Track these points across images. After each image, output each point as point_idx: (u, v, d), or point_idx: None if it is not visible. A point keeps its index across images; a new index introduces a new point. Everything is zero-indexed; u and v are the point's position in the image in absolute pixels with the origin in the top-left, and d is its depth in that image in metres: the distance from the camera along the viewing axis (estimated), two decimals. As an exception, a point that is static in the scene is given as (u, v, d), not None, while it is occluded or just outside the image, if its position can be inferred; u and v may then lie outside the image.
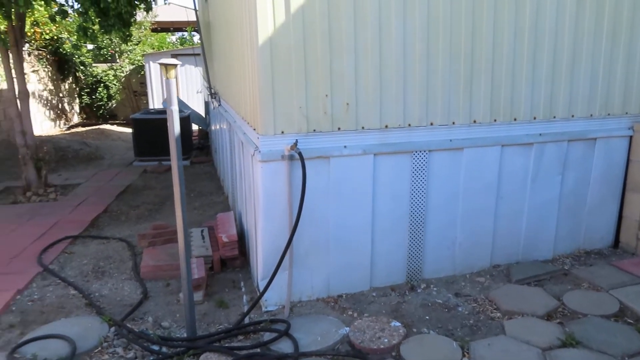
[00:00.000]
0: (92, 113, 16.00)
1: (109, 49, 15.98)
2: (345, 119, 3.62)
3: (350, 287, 3.92)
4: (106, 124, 14.90)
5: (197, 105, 13.22)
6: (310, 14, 3.38)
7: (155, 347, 3.21)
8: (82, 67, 15.19)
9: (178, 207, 3.12)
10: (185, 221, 3.16)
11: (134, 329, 3.39)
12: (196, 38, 19.15)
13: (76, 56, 14.72)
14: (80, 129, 13.52)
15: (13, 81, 6.84)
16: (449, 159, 3.99)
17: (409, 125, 3.81)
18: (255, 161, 3.59)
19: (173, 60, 2.94)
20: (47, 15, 11.11)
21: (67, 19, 6.22)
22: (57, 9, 6.00)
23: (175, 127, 3.03)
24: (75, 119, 15.50)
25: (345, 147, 3.64)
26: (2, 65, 11.10)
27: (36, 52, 12.91)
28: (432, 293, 3.94)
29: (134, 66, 15.51)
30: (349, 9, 3.46)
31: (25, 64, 12.62)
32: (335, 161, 3.64)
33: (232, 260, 4.48)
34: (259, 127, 3.47)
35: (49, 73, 13.74)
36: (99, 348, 3.23)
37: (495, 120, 4.06)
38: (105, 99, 15.81)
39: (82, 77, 15.52)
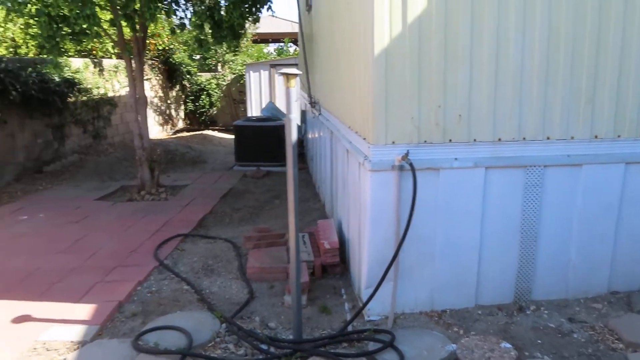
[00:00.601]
0: (195, 119, 17.06)
1: (213, 59, 16.96)
2: (457, 131, 3.55)
3: (455, 302, 3.82)
4: (207, 129, 15.81)
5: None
6: (426, 25, 3.37)
7: (264, 347, 3.33)
8: (188, 76, 16.27)
9: (291, 213, 3.24)
10: (297, 227, 3.27)
11: (243, 327, 3.55)
12: (292, 49, 19.80)
13: (183, 66, 15.80)
14: (184, 133, 14.48)
15: (134, 88, 7.47)
16: (565, 176, 3.76)
17: (524, 138, 3.65)
18: (364, 170, 3.63)
19: (294, 70, 3.06)
20: (164, 28, 12.09)
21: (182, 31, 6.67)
22: (177, 22, 6.52)
23: (292, 135, 3.15)
24: (180, 125, 16.62)
25: (455, 159, 3.57)
26: (123, 73, 12.23)
27: (150, 62, 14.03)
28: (542, 316, 3.73)
29: (234, 75, 16.34)
30: (466, 20, 3.40)
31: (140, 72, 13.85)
32: (445, 173, 3.58)
33: (333, 266, 4.55)
34: (370, 136, 3.50)
35: (160, 81, 14.88)
36: (212, 342, 3.42)
37: (619, 136, 3.77)
38: (208, 106, 16.80)
39: (188, 86, 16.62)
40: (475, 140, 3.58)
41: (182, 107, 16.88)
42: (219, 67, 17.45)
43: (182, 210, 6.77)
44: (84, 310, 3.88)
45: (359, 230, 3.98)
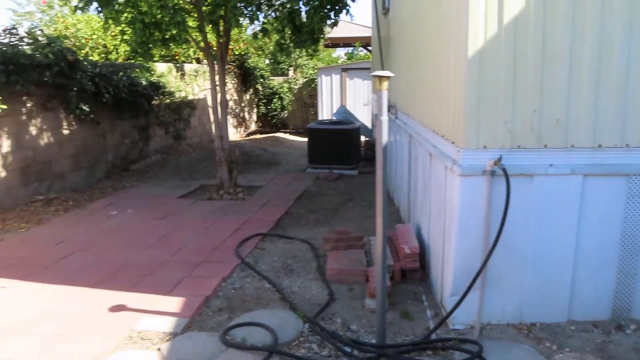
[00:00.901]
0: (267, 122, 17.48)
1: (286, 63, 17.31)
2: (553, 136, 3.38)
3: (545, 316, 3.64)
4: (278, 132, 16.14)
5: (363, 118, 13.59)
6: (523, 26, 3.24)
7: (347, 349, 3.34)
8: (261, 80, 16.71)
9: (379, 215, 3.22)
10: (386, 229, 3.24)
11: (327, 329, 3.57)
12: (362, 53, 19.78)
13: (257, 70, 16.24)
14: (257, 136, 14.87)
15: (216, 91, 7.77)
16: (674, 185, 3.47)
17: (627, 145, 3.42)
18: (452, 175, 3.54)
19: (386, 72, 3.04)
20: (240, 33, 12.49)
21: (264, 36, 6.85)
22: (259, 27, 6.72)
23: (384, 136, 3.13)
24: (252, 127, 17.10)
25: (551, 165, 3.40)
26: (202, 78, 12.77)
27: (227, 67, 14.54)
28: (645, 336, 3.47)
29: (306, 79, 16.58)
30: (566, 19, 3.24)
31: (219, 77, 14.39)
32: (539, 180, 3.42)
33: (412, 272, 4.48)
34: (460, 140, 3.42)
35: (235, 85, 15.38)
36: (296, 342, 3.47)
37: None
38: (279, 109, 17.16)
39: (261, 89, 17.07)
40: (572, 146, 3.40)
41: (255, 110, 17.36)
42: (291, 72, 17.78)
43: (260, 210, 6.94)
44: (174, 303, 4.06)
45: (443, 236, 3.89)
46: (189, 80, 12.28)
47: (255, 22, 6.57)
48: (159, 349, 3.39)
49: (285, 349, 3.37)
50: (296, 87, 16.68)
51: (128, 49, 11.98)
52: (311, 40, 6.63)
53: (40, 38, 7.11)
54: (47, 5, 12.49)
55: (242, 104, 16.15)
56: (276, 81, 17.31)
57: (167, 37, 6.29)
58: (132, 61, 10.28)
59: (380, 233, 3.23)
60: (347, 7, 7.08)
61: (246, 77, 16.00)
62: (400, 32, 6.62)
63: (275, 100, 17.16)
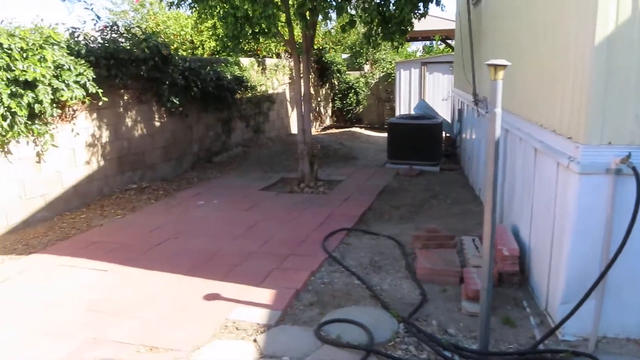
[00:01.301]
0: (342, 116, 17.41)
1: (363, 57, 17.13)
2: (691, 132, 3.00)
3: (673, 333, 3.26)
4: (353, 127, 16.03)
5: (442, 113, 13.16)
6: (661, 7, 2.88)
7: (447, 354, 3.16)
8: (338, 75, 16.65)
9: (488, 211, 3.01)
10: (494, 230, 3.03)
11: (425, 330, 3.42)
12: (442, 47, 19.16)
13: (334, 65, 16.20)
14: (333, 130, 14.85)
15: (300, 85, 7.78)
16: None
17: None
18: (568, 173, 3.25)
19: (502, 61, 2.82)
20: (319, 27, 12.47)
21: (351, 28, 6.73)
22: (348, 20, 6.62)
23: (496, 130, 2.91)
24: (327, 122, 17.09)
25: (688, 165, 3.02)
26: (281, 72, 12.91)
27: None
28: None
29: (383, 74, 16.32)
30: None
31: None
32: (672, 181, 3.04)
33: (511, 275, 4.20)
34: (580, 135, 3.12)
35: (312, 79, 15.42)
36: (392, 342, 3.34)
37: None
38: (354, 104, 17.03)
39: (337, 84, 17.01)
40: None
41: (330, 104, 17.34)
42: (367, 66, 17.56)
43: (342, 204, 6.87)
44: (265, 295, 4.07)
45: (551, 239, 3.59)
46: (269, 74, 12.45)
47: (345, 14, 6.43)
48: (254, 340, 3.40)
49: (381, 349, 3.25)
50: (373, 81, 16.45)
51: (214, 44, 12.41)
52: (399, 32, 6.42)
53: (137, 34, 7.44)
54: (139, 4, 13.16)
55: (319, 99, 16.17)
56: (352, 76, 17.17)
57: (256, 31, 6.35)
58: (217, 56, 10.57)
59: (489, 234, 3.01)
60: (438, -2, 6.79)
61: (323, 72, 16.01)
62: (496, 21, 6.26)
63: (350, 94, 17.03)
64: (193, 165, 9.43)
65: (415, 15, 6.64)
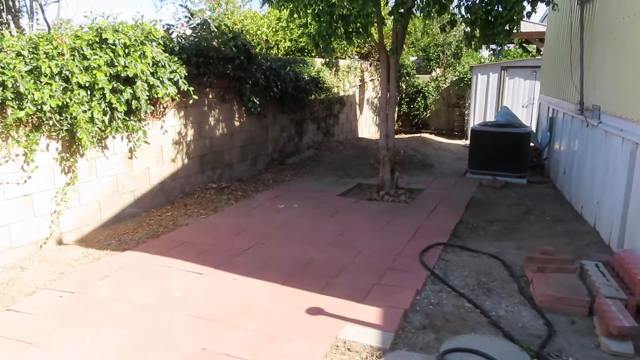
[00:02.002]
0: (408, 121, 16.95)
1: (436, 61, 16.62)
2: None
3: None
4: (421, 132, 15.56)
5: (524, 120, 12.49)
6: None
7: (599, 401, 2.78)
8: (407, 78, 16.22)
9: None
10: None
11: (568, 371, 3.05)
12: (519, 50, 18.32)
13: (404, 67, 15.78)
14: (402, 135, 14.44)
15: (386, 87, 7.48)
16: None
17: None
18: None
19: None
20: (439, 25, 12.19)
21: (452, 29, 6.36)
22: (449, 19, 6.25)
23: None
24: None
25: None
26: (353, 74, 12.65)
27: (375, 63, 14.32)
28: None
29: (456, 78, 15.73)
30: None
31: (367, 73, 14.22)
32: None
33: (649, 310, 3.73)
34: None
35: (380, 82, 15.08)
36: (529, 380, 2.99)
37: None
38: (422, 109, 16.54)
39: (404, 87, 16.59)
40: None
41: (396, 108, 16.92)
42: (437, 70, 17.02)
43: (429, 216, 6.51)
44: (371, 313, 3.81)
45: None
46: (341, 76, 12.23)
47: (447, 13, 6.05)
48: (373, 366, 3.14)
49: (518, 388, 2.91)
50: (444, 85, 15.89)
51: (289, 44, 12.32)
52: (505, 34, 5.99)
53: (226, 32, 7.39)
54: (216, 3, 13.28)
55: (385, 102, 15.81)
56: (421, 79, 16.68)
57: (350, 30, 6.11)
58: (291, 56, 10.44)
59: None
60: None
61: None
62: (617, 24, 5.72)
63: (419, 99, 16.55)
64: (267, 166, 9.33)
65: (520, 16, 6.17)
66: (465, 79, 15.62)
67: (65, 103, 5.05)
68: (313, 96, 10.41)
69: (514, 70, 13.12)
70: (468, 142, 13.71)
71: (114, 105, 5.51)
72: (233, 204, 7.09)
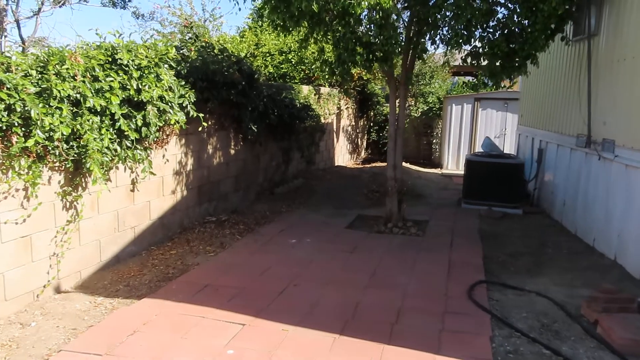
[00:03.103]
0: (377, 149, 16.99)
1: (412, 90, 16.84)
2: None
3: None
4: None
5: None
6: None
7: None
8: (376, 106, 16.31)
9: None
10: None
11: None
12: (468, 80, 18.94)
13: (374, 96, 15.86)
14: (379, 164, 14.35)
15: (395, 116, 7.30)
16: None
17: None
18: None
19: None
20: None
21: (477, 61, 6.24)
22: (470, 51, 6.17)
23: None
24: (363, 154, 16.64)
25: None
26: (332, 102, 12.46)
27: (351, 91, 14.25)
28: None
29: (426, 108, 15.98)
30: None
31: (342, 101, 14.10)
32: None
33: None
34: None
35: (353, 110, 15.04)
36: None
37: None
38: (391, 137, 16.63)
39: (373, 116, 16.66)
40: None
41: (366, 136, 16.94)
42: (408, 100, 17.21)
43: (452, 250, 6.29)
44: (457, 366, 3.46)
45: None
46: (322, 103, 12.01)
47: (469, 44, 5.98)
48: None
49: None
50: (416, 115, 16.08)
51: (271, 70, 11.96)
52: (524, 67, 6.00)
53: (230, 56, 6.96)
54: (188, 26, 12.71)
55: (357, 130, 15.77)
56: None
57: (371, 57, 5.88)
58: (271, 82, 10.09)
59: None
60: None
61: (364, 103, 15.66)
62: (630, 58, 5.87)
63: (388, 127, 16.67)
64: (258, 196, 8.83)
65: (544, 50, 6.19)
66: (434, 109, 15.91)
67: (75, 130, 4.41)
68: (305, 123, 10.07)
69: (487, 102, 13.48)
70: (444, 171, 13.93)
71: (126, 133, 4.91)
72: (239, 239, 6.54)
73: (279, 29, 6.19)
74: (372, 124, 16.93)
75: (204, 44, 7.01)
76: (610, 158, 6.20)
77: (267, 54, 11.75)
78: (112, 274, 5.16)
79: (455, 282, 5.12)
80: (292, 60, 11.85)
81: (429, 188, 10.98)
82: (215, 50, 6.93)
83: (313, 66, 11.87)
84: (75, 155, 4.53)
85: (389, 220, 7.46)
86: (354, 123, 15.29)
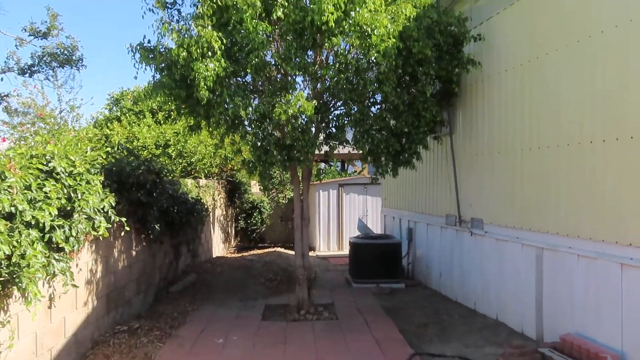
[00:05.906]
0: (246, 236, 17.23)
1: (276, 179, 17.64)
2: None
3: None
4: (259, 246, 15.97)
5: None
6: None
7: None
8: (243, 195, 16.76)
9: None
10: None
11: None
12: (351, 168, 20.79)
13: (242, 185, 16.35)
14: (256, 251, 14.52)
15: (301, 208, 7.84)
16: None
17: None
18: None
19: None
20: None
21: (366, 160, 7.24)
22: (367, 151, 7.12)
23: None
24: (233, 242, 16.70)
25: None
26: (208, 193, 12.53)
27: (221, 180, 14.54)
28: None
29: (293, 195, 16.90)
30: None
31: (216, 192, 14.23)
32: None
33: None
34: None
35: (225, 200, 15.26)
36: None
37: None
38: (259, 224, 17.10)
39: (240, 203, 17.05)
40: None
41: (234, 224, 17.11)
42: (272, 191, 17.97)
43: (369, 328, 6.80)
44: None
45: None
46: (202, 195, 12.05)
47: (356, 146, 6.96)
48: None
49: None
50: (284, 202, 16.87)
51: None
52: (411, 162, 7.16)
53: (139, 156, 6.87)
54: (41, 118, 11.85)
55: (227, 219, 15.90)
56: (256, 195, 17.44)
57: (290, 157, 6.41)
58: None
59: None
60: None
61: (233, 192, 16.00)
62: (483, 147, 7.43)
63: (255, 214, 17.17)
64: (155, 297, 8.37)
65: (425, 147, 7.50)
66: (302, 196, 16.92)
67: (12, 248, 4.01)
68: (195, 217, 9.98)
69: (349, 187, 14.94)
70: (318, 253, 14.71)
71: (60, 245, 4.56)
72: (161, 346, 6.16)
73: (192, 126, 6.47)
74: (239, 212, 17.24)
75: (112, 145, 6.84)
76: (481, 234, 7.57)
77: (142, 147, 11.55)
78: (38, 408, 4.50)
79: (391, 357, 5.60)
80: (172, 154, 11.83)
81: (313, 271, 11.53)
82: (124, 152, 6.79)
83: (193, 159, 11.99)
84: (7, 276, 4.06)
85: (301, 308, 7.74)
86: (225, 212, 15.43)
